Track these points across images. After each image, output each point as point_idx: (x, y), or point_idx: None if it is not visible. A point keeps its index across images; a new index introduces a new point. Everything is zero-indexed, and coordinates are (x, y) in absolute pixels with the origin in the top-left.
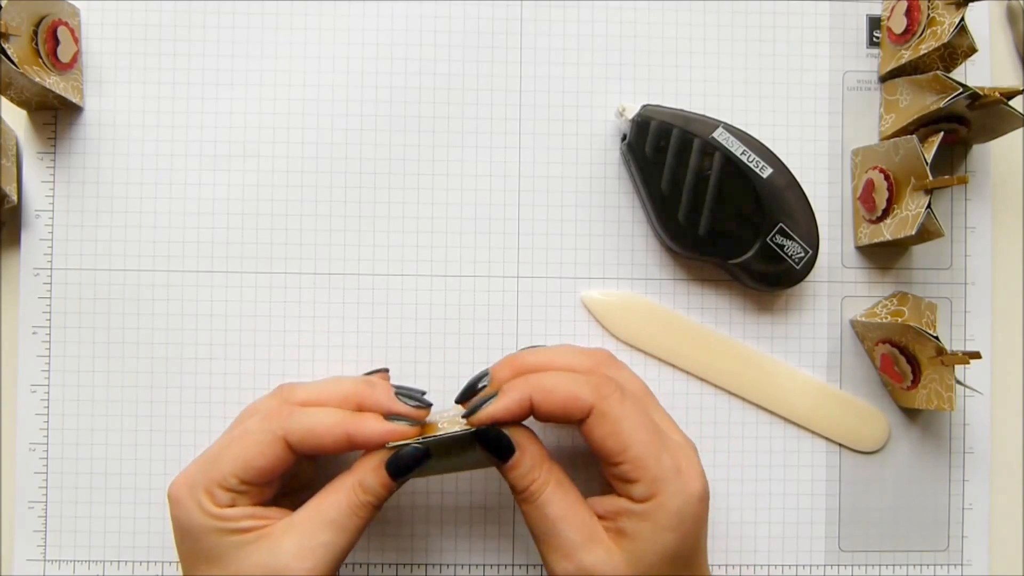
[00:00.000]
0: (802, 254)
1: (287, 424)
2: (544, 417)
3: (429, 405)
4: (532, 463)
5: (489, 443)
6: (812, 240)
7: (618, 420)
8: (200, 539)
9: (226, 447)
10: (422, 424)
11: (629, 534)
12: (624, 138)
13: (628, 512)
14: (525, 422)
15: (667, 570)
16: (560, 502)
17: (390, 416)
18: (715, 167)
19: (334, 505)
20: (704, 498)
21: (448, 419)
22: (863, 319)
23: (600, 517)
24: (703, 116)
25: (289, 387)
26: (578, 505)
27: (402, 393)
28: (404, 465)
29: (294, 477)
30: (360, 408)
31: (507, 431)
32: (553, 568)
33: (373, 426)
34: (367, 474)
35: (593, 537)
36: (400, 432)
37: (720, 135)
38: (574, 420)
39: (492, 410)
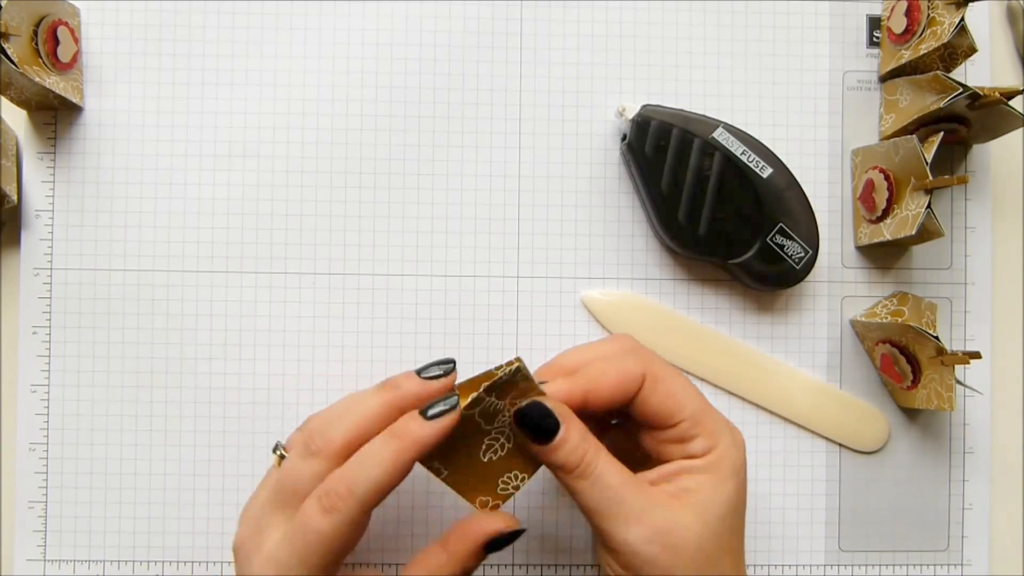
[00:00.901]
0: (802, 254)
1: (350, 503)
2: (600, 404)
3: (452, 362)
4: (580, 435)
5: (531, 423)
6: (812, 240)
7: (670, 381)
8: None
9: (365, 461)
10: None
11: (692, 489)
12: (624, 138)
13: (689, 469)
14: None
15: (730, 521)
16: (618, 470)
17: (425, 412)
18: (715, 167)
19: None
20: (745, 448)
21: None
22: (863, 319)
23: (654, 484)
24: (703, 116)
25: (320, 433)
26: (631, 472)
27: (425, 373)
28: (505, 544)
29: None
30: (398, 413)
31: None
32: (624, 536)
33: (419, 432)
34: (468, 560)
35: (656, 499)
36: (446, 419)
37: (720, 135)
38: (629, 397)
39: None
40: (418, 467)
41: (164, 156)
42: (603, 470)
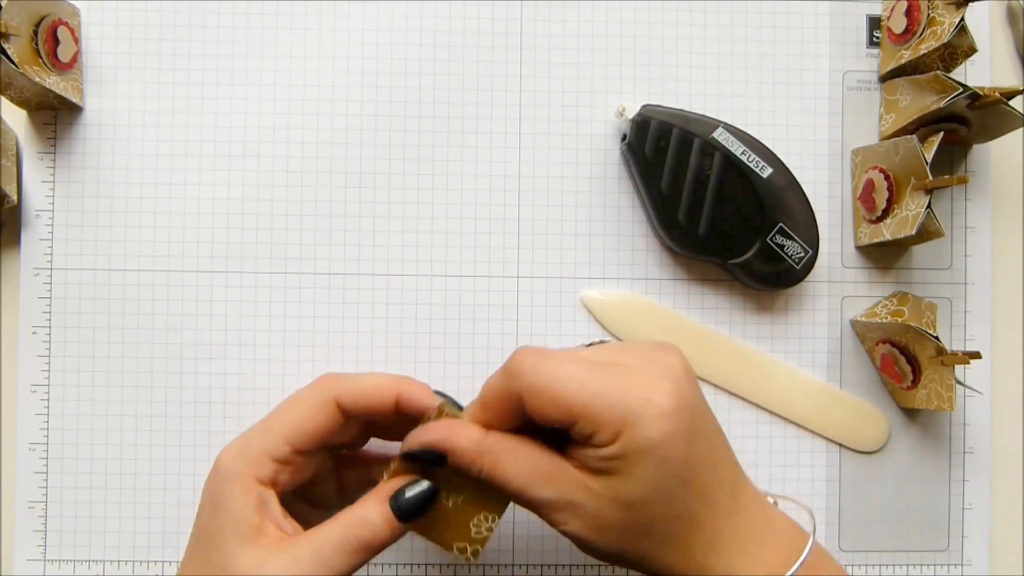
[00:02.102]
0: (802, 254)
1: (338, 387)
2: (509, 427)
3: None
4: (468, 460)
5: (417, 457)
6: (812, 240)
7: (546, 385)
8: (219, 516)
9: (277, 415)
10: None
11: (609, 471)
12: (624, 138)
13: (600, 457)
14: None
15: (666, 495)
16: (514, 469)
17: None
18: (715, 167)
19: (326, 537)
20: (677, 412)
21: None
22: (863, 319)
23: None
24: (703, 116)
25: (333, 374)
26: (537, 463)
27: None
28: (413, 504)
29: (317, 487)
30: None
31: (430, 436)
32: (556, 527)
33: (421, 392)
34: (370, 509)
35: (566, 486)
36: (449, 415)
37: (720, 135)
38: (522, 419)
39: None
40: None
41: (164, 156)
42: (501, 474)
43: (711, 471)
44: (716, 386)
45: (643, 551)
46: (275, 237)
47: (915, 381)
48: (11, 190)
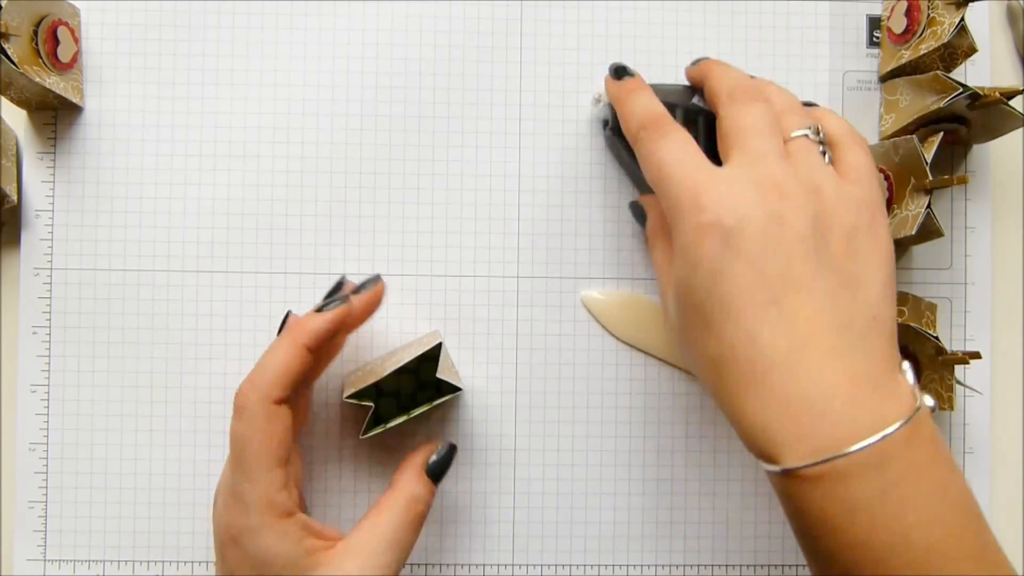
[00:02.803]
0: None
1: (253, 397)
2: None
3: (340, 285)
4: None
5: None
6: None
7: (649, 160)
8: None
9: (264, 366)
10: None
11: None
12: (606, 124)
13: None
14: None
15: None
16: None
17: (320, 308)
18: (701, 132)
19: (392, 523)
20: (711, 229)
21: (393, 362)
22: None
23: None
24: (678, 86)
25: (247, 397)
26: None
27: (325, 308)
28: (443, 465)
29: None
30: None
31: None
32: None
33: (310, 323)
34: (415, 486)
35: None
36: (337, 310)
37: (699, 101)
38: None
39: None
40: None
41: (164, 156)
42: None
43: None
44: None
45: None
46: (275, 237)
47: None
48: (11, 190)
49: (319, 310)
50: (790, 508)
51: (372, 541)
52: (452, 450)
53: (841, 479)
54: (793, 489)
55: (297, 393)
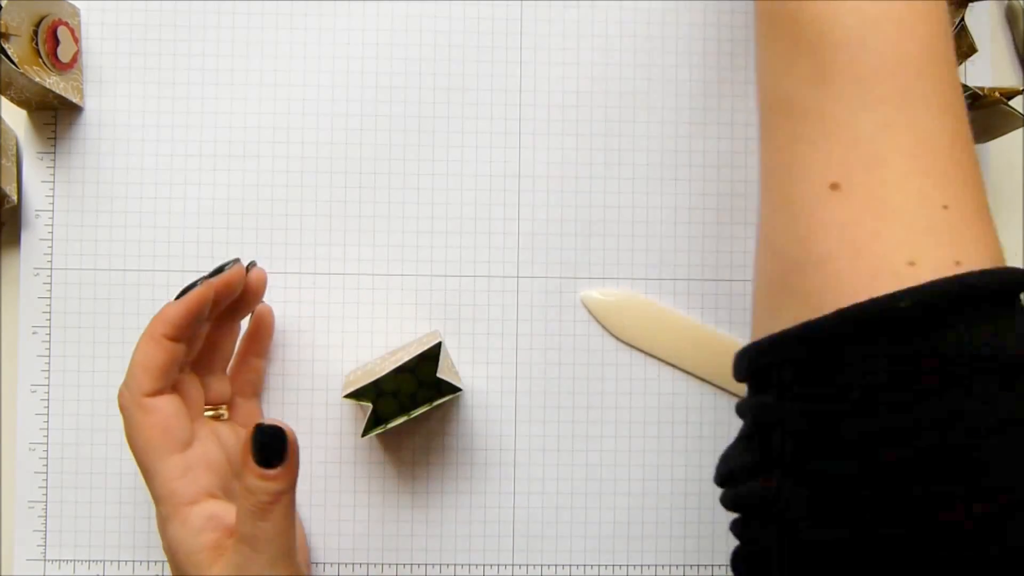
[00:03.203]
0: None
1: (126, 396)
2: None
3: (218, 271)
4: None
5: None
6: None
7: None
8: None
9: (132, 358)
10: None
11: None
12: None
13: None
14: None
15: None
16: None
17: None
18: None
19: (243, 522)
20: None
21: (392, 361)
22: None
23: None
24: None
25: (124, 406)
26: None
27: (182, 297)
28: (269, 447)
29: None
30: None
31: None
32: None
33: (168, 310)
34: (246, 476)
35: None
36: (194, 293)
37: None
38: None
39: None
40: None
41: (164, 156)
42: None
43: None
44: (717, 386)
45: None
46: (275, 237)
47: None
48: (11, 190)
49: (177, 298)
50: None
51: (235, 543)
52: (268, 434)
53: None
54: None
55: (181, 378)
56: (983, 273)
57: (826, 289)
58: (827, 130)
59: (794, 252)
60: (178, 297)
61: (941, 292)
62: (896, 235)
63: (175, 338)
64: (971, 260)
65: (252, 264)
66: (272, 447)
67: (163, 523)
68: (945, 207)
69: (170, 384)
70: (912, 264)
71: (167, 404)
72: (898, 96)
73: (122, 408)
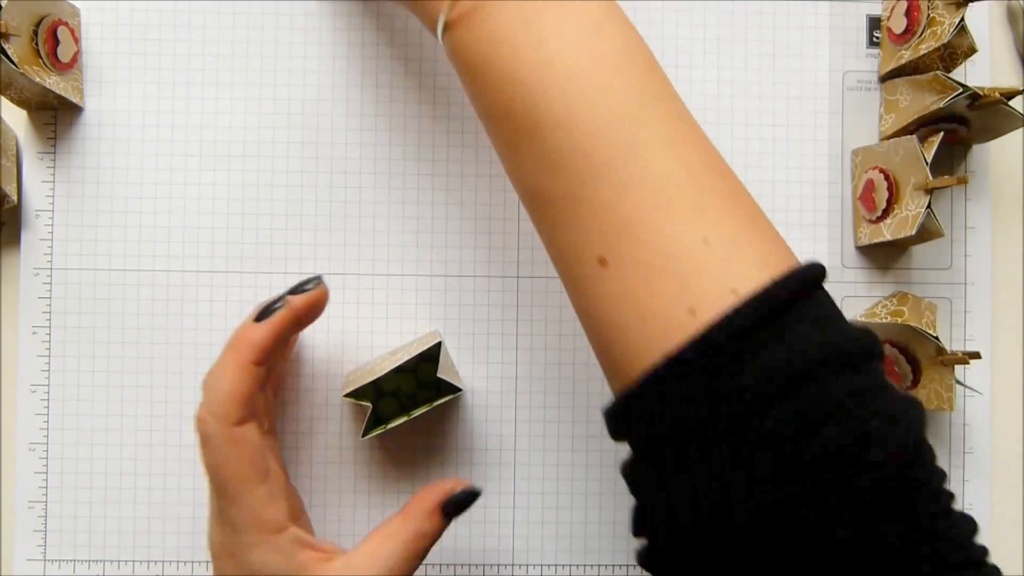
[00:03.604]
0: None
1: (212, 424)
2: None
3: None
4: None
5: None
6: None
7: None
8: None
9: (215, 383)
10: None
11: None
12: None
13: None
14: None
15: None
16: None
17: (258, 317)
18: None
19: (393, 554)
20: None
21: (392, 361)
22: (863, 319)
23: None
24: None
25: (207, 425)
26: None
27: (265, 316)
28: (461, 506)
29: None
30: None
31: None
32: None
33: (252, 335)
34: (424, 521)
35: None
36: (277, 316)
37: None
38: None
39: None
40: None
41: (164, 156)
42: None
43: None
44: None
45: None
46: (275, 237)
47: (915, 381)
48: (11, 190)
49: (259, 319)
50: (461, 68)
51: (369, 567)
52: (473, 494)
53: (486, 15)
54: (456, 44)
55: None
56: (752, 300)
57: (630, 356)
58: (576, 210)
59: (596, 326)
60: (259, 318)
61: (719, 333)
62: (669, 289)
63: (261, 363)
64: (747, 282)
65: (319, 279)
66: (465, 509)
67: (243, 550)
68: (705, 240)
69: (253, 411)
70: (692, 312)
71: (253, 434)
72: (623, 152)
73: (207, 436)
